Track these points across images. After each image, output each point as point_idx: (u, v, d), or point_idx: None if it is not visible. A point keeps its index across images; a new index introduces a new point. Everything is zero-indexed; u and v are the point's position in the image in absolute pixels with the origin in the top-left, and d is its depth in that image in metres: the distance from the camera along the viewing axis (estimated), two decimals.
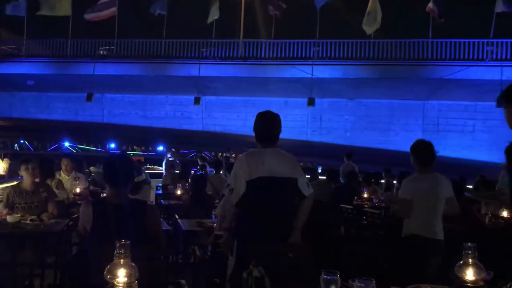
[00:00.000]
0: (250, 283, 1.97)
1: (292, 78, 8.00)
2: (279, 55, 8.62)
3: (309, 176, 7.42)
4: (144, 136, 14.99)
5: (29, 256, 3.96)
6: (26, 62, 9.32)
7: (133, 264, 1.79)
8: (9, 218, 3.80)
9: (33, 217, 3.81)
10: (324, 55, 8.44)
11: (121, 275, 1.77)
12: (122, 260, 1.79)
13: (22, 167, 4.24)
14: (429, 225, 2.86)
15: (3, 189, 4.73)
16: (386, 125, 8.64)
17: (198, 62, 8.56)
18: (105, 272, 1.76)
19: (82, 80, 8.17)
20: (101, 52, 9.02)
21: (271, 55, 8.59)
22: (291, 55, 8.62)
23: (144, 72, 7.48)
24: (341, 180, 6.07)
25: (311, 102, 8.26)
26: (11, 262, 3.77)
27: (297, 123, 9.48)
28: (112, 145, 32.85)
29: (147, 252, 2.53)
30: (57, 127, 10.82)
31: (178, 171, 8.38)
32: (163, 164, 10.97)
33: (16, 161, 5.05)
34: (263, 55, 8.53)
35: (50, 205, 4.16)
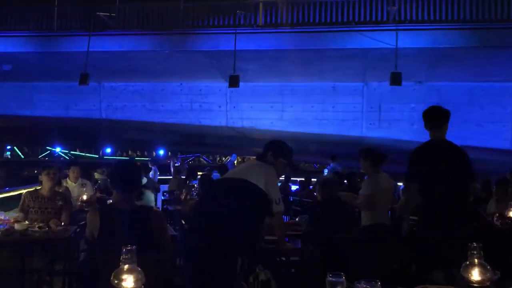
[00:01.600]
0: (257, 286, 2.12)
1: (356, 50, 6.74)
2: (339, 19, 7.13)
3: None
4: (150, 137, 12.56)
5: (38, 263, 4.12)
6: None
7: (139, 269, 1.95)
8: (17, 226, 4.00)
9: (41, 224, 4.07)
10: (403, 17, 6.99)
11: (128, 280, 1.91)
12: (128, 265, 1.93)
13: (43, 172, 4.41)
14: (387, 215, 3.81)
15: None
16: (464, 114, 7.24)
17: (234, 31, 6.88)
18: (112, 278, 1.88)
19: (73, 60, 7.10)
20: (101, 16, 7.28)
21: (328, 19, 7.17)
22: (356, 19, 7.06)
23: (156, 45, 5.34)
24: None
25: None
26: (20, 269, 3.89)
27: (348, 114, 8.26)
28: (108, 150, 30.86)
29: (153, 257, 2.62)
30: (44, 126, 8.85)
31: (184, 176, 8.28)
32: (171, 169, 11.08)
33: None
34: (317, 20, 7.14)
35: (64, 214, 4.37)
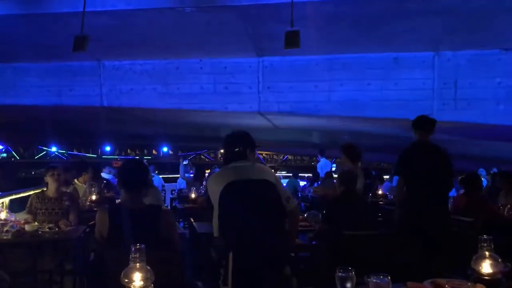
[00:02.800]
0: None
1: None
2: None
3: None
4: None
5: (48, 263, 4.29)
6: None
7: (148, 267, 2.07)
8: (27, 227, 4.19)
9: (50, 225, 4.33)
10: None
11: (137, 279, 2.01)
12: (137, 264, 2.07)
13: (48, 173, 4.73)
14: None
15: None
16: None
17: None
18: (121, 276, 2.01)
19: (65, 29, 5.35)
20: None
21: None
22: None
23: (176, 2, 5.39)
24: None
25: None
26: (31, 269, 4.08)
27: (415, 93, 6.54)
28: (108, 148, 29.80)
29: (162, 256, 2.72)
30: (30, 118, 7.03)
31: (192, 175, 9.34)
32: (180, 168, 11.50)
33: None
34: None
35: (71, 214, 4.67)
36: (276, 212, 2.75)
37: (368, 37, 5.85)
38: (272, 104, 6.72)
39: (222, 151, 3.13)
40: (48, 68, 7.10)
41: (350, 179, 4.42)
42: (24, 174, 48.36)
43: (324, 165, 11.05)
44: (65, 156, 58.38)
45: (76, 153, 60.03)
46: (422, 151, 4.45)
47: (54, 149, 33.47)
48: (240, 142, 2.97)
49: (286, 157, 60.92)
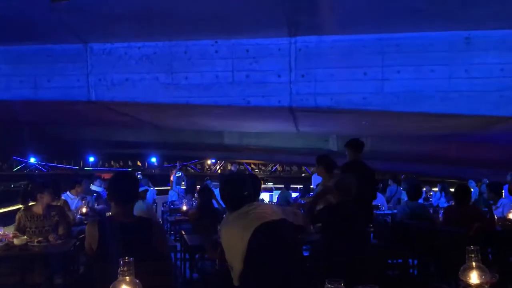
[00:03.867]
0: None
1: None
2: None
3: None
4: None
5: (38, 278, 4.19)
6: None
7: (137, 281, 2.08)
8: (16, 241, 4.16)
9: (39, 238, 4.32)
10: None
11: None
12: (126, 277, 2.05)
13: (38, 194, 4.69)
14: None
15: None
16: None
17: None
18: None
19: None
20: None
21: None
22: None
23: None
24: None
25: None
26: (20, 283, 3.96)
27: (491, 81, 5.22)
28: (92, 159, 28.40)
29: (153, 269, 2.79)
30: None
31: (184, 187, 10.93)
32: (171, 180, 12.70)
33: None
34: None
35: (60, 227, 4.74)
36: (298, 252, 2.96)
37: (431, 10, 4.84)
38: (307, 97, 5.50)
39: (224, 193, 3.06)
40: (20, 52, 6.14)
41: (347, 187, 4.44)
42: (2, 187, 46.74)
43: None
44: (45, 168, 56.51)
45: (56, 164, 58.21)
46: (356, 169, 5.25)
47: (33, 160, 31.84)
48: (249, 185, 3.00)
49: (275, 167, 59.91)
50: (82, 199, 6.71)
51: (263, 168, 54.47)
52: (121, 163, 56.96)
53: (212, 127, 9.11)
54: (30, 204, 4.88)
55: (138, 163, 54.28)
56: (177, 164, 15.69)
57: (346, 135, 10.25)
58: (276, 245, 2.68)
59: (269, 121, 7.37)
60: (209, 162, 57.61)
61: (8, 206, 7.70)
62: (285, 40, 5.54)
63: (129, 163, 55.35)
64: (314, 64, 5.58)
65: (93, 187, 8.38)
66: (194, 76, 5.80)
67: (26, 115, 7.65)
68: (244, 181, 3.01)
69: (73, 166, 51.76)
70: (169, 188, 15.44)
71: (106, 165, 55.46)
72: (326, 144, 11.46)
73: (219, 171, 54.57)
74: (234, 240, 2.72)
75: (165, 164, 54.89)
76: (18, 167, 51.05)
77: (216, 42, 5.74)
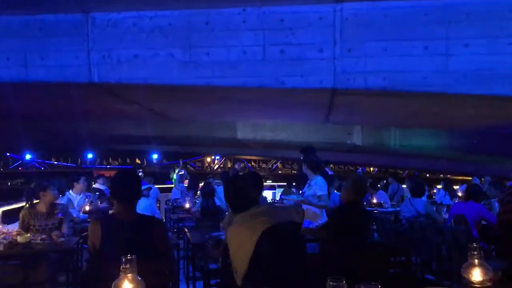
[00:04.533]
0: None
1: None
2: None
3: None
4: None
5: (41, 275, 4.21)
6: None
7: (139, 278, 2.11)
8: (19, 239, 4.22)
9: (43, 236, 4.43)
10: None
11: None
12: (128, 275, 2.08)
13: (41, 192, 4.79)
14: None
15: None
16: None
17: None
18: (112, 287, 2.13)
19: None
20: None
21: None
22: None
23: None
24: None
25: None
26: (24, 281, 3.98)
27: None
28: (90, 155, 27.47)
29: (155, 267, 2.84)
30: None
31: (187, 185, 9.77)
32: (173, 178, 12.59)
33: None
34: None
35: (63, 225, 4.83)
36: (304, 254, 2.94)
37: None
38: (355, 76, 4.62)
39: (229, 195, 3.04)
40: (7, 23, 5.08)
41: (362, 188, 4.50)
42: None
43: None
44: (42, 166, 56.07)
45: (53, 162, 57.81)
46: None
47: (28, 156, 30.96)
48: (256, 186, 3.02)
49: (276, 165, 59.46)
50: (86, 197, 6.80)
51: (263, 165, 53.86)
52: (119, 161, 56.34)
53: (228, 117, 8.26)
54: (33, 202, 5.01)
55: (137, 160, 53.64)
56: (180, 162, 15.60)
57: (374, 126, 9.36)
58: (283, 248, 2.76)
59: (298, 109, 6.51)
60: (209, 159, 57.05)
61: (11, 204, 7.79)
62: (329, 8, 4.59)
63: (128, 160, 54.73)
64: (364, 36, 4.64)
65: (96, 185, 8.34)
66: (217, 52, 4.85)
67: (14, 103, 6.60)
68: (251, 182, 3.05)
69: (71, 163, 51.10)
70: (168, 186, 15.87)
71: (104, 163, 54.85)
72: (349, 137, 10.44)
73: (218, 169, 53.96)
74: (241, 241, 2.76)
75: (165, 162, 54.26)
76: (15, 165, 50.47)
77: (244, 10, 4.79)
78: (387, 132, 9.40)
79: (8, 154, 39.10)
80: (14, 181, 47.16)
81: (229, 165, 56.18)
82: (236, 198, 2.92)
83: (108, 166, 49.85)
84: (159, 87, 5.18)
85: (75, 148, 23.64)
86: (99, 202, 7.46)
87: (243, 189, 2.93)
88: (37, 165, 47.52)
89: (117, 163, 53.76)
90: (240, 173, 4.22)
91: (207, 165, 58.46)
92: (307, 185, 6.04)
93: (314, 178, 5.88)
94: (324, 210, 5.87)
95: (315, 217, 5.69)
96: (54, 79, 5.11)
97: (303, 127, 10.46)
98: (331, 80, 4.77)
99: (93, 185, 8.32)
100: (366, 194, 4.72)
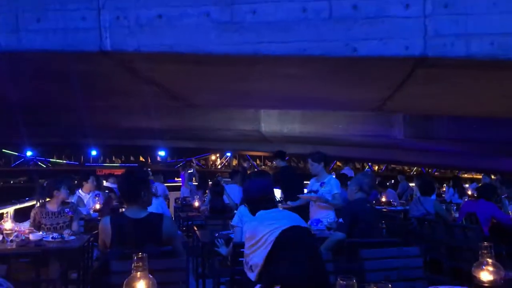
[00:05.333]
0: None
1: None
2: None
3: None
4: None
5: (53, 273, 4.34)
6: None
7: (151, 276, 2.14)
8: (31, 237, 4.46)
9: (54, 234, 4.62)
10: None
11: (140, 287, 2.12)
12: (140, 272, 2.10)
13: (55, 192, 4.92)
14: None
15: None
16: None
17: None
18: (124, 286, 2.09)
19: None
20: None
21: None
22: None
23: None
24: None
25: None
26: (35, 279, 4.02)
27: None
28: (94, 152, 27.07)
29: (165, 264, 2.88)
30: None
31: (196, 183, 9.79)
32: (183, 176, 12.30)
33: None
34: None
35: (74, 223, 5.02)
36: (322, 259, 2.99)
37: None
38: (453, 40, 3.50)
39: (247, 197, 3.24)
40: None
41: (366, 185, 4.59)
42: (2, 183, 46.94)
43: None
44: (44, 164, 55.55)
45: (56, 160, 57.30)
46: None
47: (29, 153, 30.44)
48: (271, 189, 3.13)
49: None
50: (96, 196, 6.93)
51: (268, 163, 52.93)
52: (123, 159, 55.57)
53: (262, 103, 7.17)
54: (45, 201, 5.13)
55: (141, 158, 52.93)
56: (193, 160, 16.04)
57: (420, 114, 8.26)
58: (300, 249, 2.79)
59: (356, 90, 5.20)
60: (213, 157, 56.33)
61: (23, 202, 8.13)
62: None
63: (131, 158, 54.00)
64: None
65: (107, 184, 8.55)
66: (266, 9, 3.62)
67: (3, 83, 5.50)
68: (270, 184, 3.12)
69: (74, 161, 50.43)
70: (173, 184, 16.33)
71: (108, 161, 54.11)
72: (390, 130, 9.27)
73: (223, 167, 53.32)
74: (259, 238, 2.78)
75: (169, 160, 53.59)
76: (17, 163, 50.10)
77: None
78: (438, 122, 8.30)
79: (6, 151, 38.29)
80: (16, 179, 46.78)
81: (234, 163, 55.40)
82: (257, 199, 3.03)
83: (111, 164, 49.10)
84: (188, 57, 3.87)
85: (77, 143, 22.45)
86: (113, 200, 7.63)
87: (266, 191, 3.06)
88: (39, 163, 46.89)
89: (120, 161, 53.01)
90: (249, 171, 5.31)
91: (211, 163, 57.75)
92: (317, 184, 6.04)
93: (327, 176, 6.08)
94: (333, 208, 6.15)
95: (326, 211, 5.87)
96: (53, 47, 3.89)
97: (337, 118, 9.50)
98: (421, 45, 3.53)
99: (104, 184, 8.47)
100: (372, 190, 4.82)
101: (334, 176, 6.51)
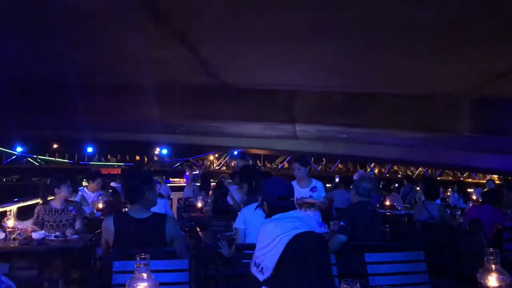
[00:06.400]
0: None
1: None
2: None
3: (329, 185, 12.60)
4: None
5: (55, 271, 4.48)
6: None
7: (153, 277, 2.18)
8: (34, 235, 4.54)
9: (57, 233, 4.70)
10: None
11: None
12: (143, 273, 2.15)
13: (56, 189, 5.11)
14: None
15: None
16: None
17: None
18: (126, 286, 2.14)
19: None
20: None
21: None
22: None
23: None
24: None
25: None
26: (38, 277, 4.18)
27: None
28: (90, 149, 27.22)
29: (168, 265, 2.98)
30: None
31: (199, 184, 11.01)
32: (186, 177, 12.63)
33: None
34: None
35: (77, 221, 5.18)
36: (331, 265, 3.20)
37: None
38: None
39: (265, 200, 3.16)
40: None
41: (365, 188, 4.75)
42: None
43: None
44: (38, 162, 55.58)
45: (49, 158, 57.26)
46: None
47: (19, 149, 30.43)
48: (291, 191, 3.15)
49: (282, 164, 59.11)
50: (100, 195, 7.20)
51: (268, 164, 52.80)
52: (118, 157, 55.22)
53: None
54: (48, 198, 5.30)
55: (137, 157, 52.49)
56: (174, 160, 16.00)
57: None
58: (311, 254, 2.87)
59: None
60: (211, 157, 56.10)
61: (26, 200, 8.30)
62: None
63: (127, 157, 53.63)
64: None
65: (113, 184, 8.56)
66: None
67: None
68: (290, 187, 3.17)
69: (68, 159, 50.07)
70: (169, 184, 16.54)
71: (103, 160, 53.71)
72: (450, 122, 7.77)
73: (222, 168, 53.16)
74: (272, 239, 2.87)
75: (166, 160, 53.19)
76: (8, 160, 49.49)
77: None
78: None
79: None
80: (9, 177, 46.23)
81: (233, 164, 55.44)
82: (275, 201, 3.08)
83: (107, 163, 48.77)
84: None
85: (71, 139, 20.81)
86: (112, 200, 7.64)
87: (284, 195, 3.10)
88: (32, 161, 46.46)
89: (115, 160, 52.74)
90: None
91: (209, 163, 57.73)
92: (306, 190, 6.01)
93: (312, 181, 6.15)
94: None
95: (312, 212, 5.91)
96: None
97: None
98: None
99: (111, 184, 8.46)
100: (371, 194, 4.92)
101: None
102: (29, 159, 46.49)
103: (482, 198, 6.91)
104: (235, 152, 22.29)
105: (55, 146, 49.81)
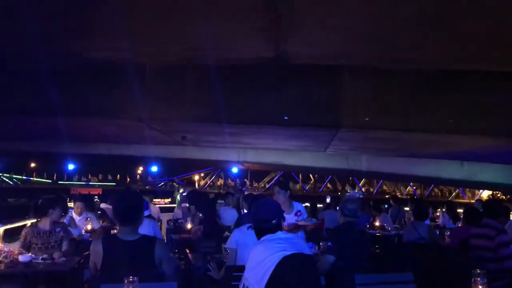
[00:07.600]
0: None
1: None
2: None
3: (320, 205, 12.00)
4: None
5: None
6: None
7: None
8: (21, 258, 4.52)
9: (44, 256, 4.69)
10: None
11: None
12: None
13: (47, 212, 5.11)
14: None
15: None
16: None
17: None
18: None
19: None
20: None
21: None
22: None
23: None
24: None
25: None
26: None
27: None
28: (71, 166, 26.74)
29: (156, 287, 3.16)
30: None
31: (188, 205, 8.83)
32: (177, 198, 12.30)
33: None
34: None
35: (64, 243, 5.16)
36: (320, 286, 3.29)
37: None
38: None
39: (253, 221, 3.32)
40: None
41: (349, 209, 4.78)
42: None
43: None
44: (13, 182, 54.86)
45: (27, 177, 56.26)
46: None
47: None
48: (277, 213, 3.21)
49: (271, 183, 58.89)
50: (88, 217, 7.29)
51: (255, 184, 52.82)
52: (100, 177, 54.52)
53: None
54: (36, 220, 5.31)
55: (118, 177, 51.77)
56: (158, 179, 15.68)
57: None
58: (300, 276, 2.92)
59: None
60: (197, 177, 55.85)
61: (13, 222, 8.25)
62: None
63: (109, 177, 52.93)
64: None
65: (102, 205, 8.55)
66: None
67: None
68: (279, 210, 3.25)
69: (46, 179, 49.14)
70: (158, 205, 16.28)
71: (83, 179, 52.90)
72: None
73: (207, 188, 52.99)
74: (261, 260, 2.93)
75: (150, 179, 52.61)
76: None
77: None
78: None
79: None
80: None
81: (219, 183, 55.28)
82: (263, 224, 3.19)
83: (88, 183, 48.04)
84: None
85: (49, 154, 17.56)
86: (100, 222, 7.84)
87: (271, 217, 3.18)
88: (6, 180, 45.35)
89: (97, 179, 52.01)
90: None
91: (195, 183, 57.36)
92: (291, 215, 5.75)
93: (294, 204, 6.09)
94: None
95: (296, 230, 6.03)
96: None
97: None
98: None
99: (100, 205, 8.58)
100: (356, 214, 4.96)
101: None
102: (4, 178, 45.38)
103: (462, 217, 7.06)
104: (234, 169, 22.02)
105: (32, 165, 48.87)
